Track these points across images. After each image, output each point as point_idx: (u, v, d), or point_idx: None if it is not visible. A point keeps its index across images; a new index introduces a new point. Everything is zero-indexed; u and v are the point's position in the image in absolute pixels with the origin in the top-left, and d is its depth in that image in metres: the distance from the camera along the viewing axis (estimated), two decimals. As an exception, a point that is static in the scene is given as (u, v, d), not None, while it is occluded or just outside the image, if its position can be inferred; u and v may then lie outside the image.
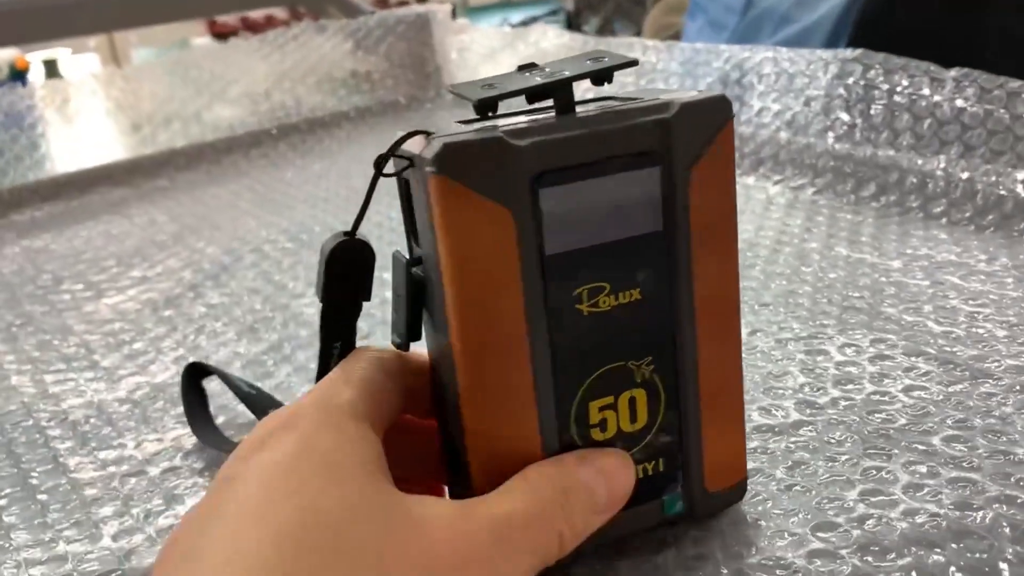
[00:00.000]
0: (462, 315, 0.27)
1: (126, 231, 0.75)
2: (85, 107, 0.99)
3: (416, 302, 0.29)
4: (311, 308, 0.58)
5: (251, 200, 0.80)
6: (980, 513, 0.35)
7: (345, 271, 0.30)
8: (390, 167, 0.29)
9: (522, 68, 0.29)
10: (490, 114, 0.28)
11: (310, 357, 0.52)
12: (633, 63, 0.30)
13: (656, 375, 0.31)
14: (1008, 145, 0.64)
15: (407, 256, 0.30)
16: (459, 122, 0.30)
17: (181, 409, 0.48)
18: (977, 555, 0.33)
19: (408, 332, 0.30)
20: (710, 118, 0.30)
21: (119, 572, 0.36)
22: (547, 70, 0.29)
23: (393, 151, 0.28)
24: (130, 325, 0.58)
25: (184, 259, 0.68)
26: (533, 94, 0.28)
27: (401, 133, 0.28)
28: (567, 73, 0.28)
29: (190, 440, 0.45)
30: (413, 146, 0.27)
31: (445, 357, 0.28)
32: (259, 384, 0.49)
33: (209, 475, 0.42)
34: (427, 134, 0.27)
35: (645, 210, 0.29)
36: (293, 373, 0.51)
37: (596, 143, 0.28)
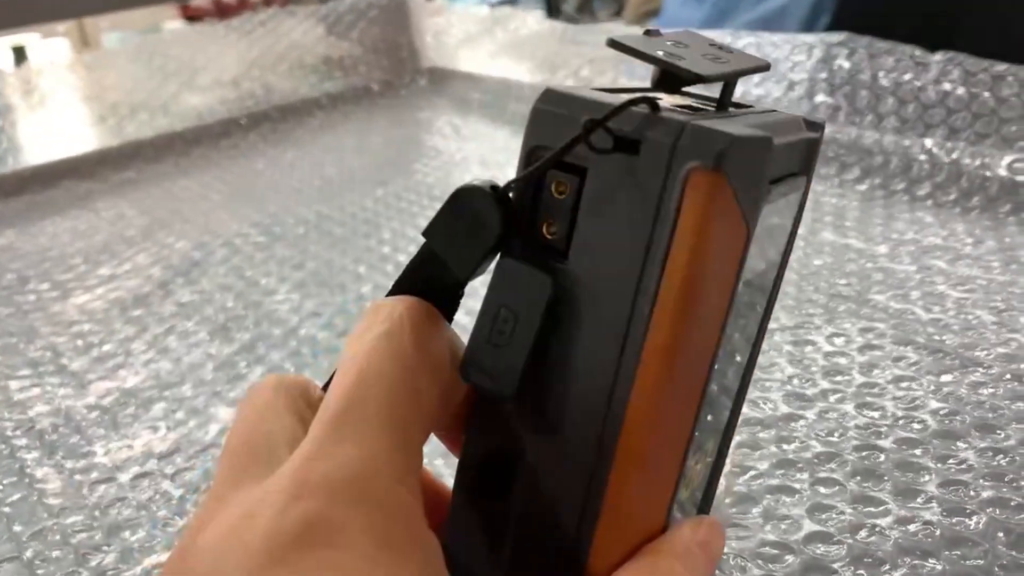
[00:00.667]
0: (669, 360, 0.21)
1: (93, 226, 0.73)
2: (51, 96, 0.96)
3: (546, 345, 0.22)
4: (285, 305, 0.57)
5: (222, 192, 0.78)
6: (974, 519, 0.34)
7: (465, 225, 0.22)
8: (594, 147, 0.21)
9: (648, 32, 0.23)
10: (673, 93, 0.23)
11: (284, 357, 0.50)
12: (766, 67, 0.25)
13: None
14: (993, 128, 0.63)
15: (538, 269, 0.22)
16: (603, 90, 0.23)
17: (152, 413, 0.46)
18: (972, 562, 0.32)
19: (522, 374, 0.22)
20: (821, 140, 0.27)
21: (86, 591, 0.35)
22: (687, 47, 0.23)
23: (608, 119, 0.20)
24: (98, 326, 0.56)
25: (153, 255, 0.66)
26: (735, 79, 0.23)
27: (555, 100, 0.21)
28: (736, 63, 0.24)
29: (161, 444, 0.44)
30: (628, 123, 0.20)
31: (576, 406, 0.21)
32: (228, 389, 0.48)
33: (180, 482, 0.41)
34: (655, 108, 0.20)
35: (779, 238, 0.26)
36: (266, 374, 0.49)
37: (789, 153, 0.24)
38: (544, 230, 0.22)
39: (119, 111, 0.93)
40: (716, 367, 0.22)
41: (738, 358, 0.26)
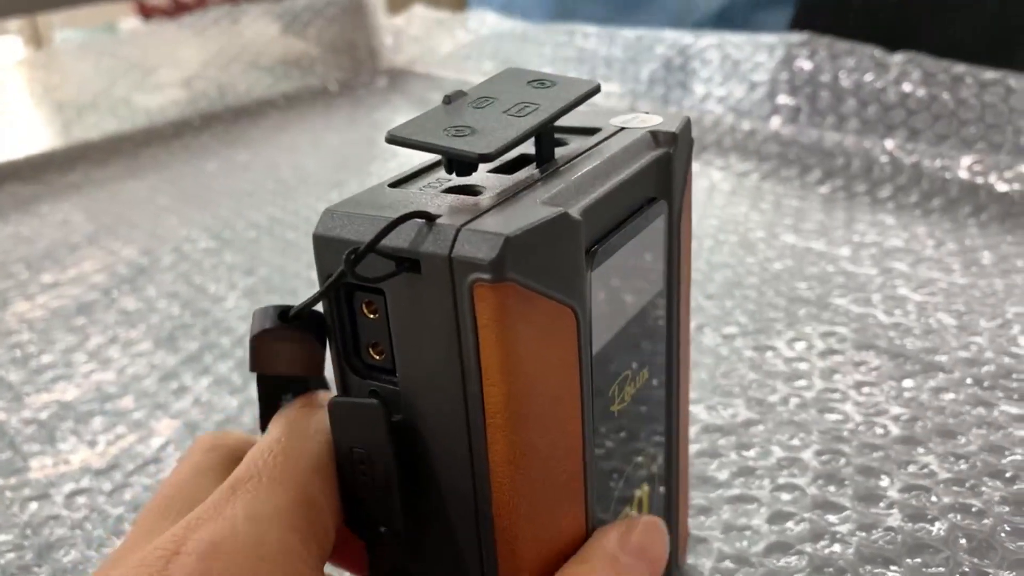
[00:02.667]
0: (518, 464, 0.20)
1: (37, 232, 0.70)
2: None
3: (407, 467, 0.21)
4: (234, 313, 0.55)
5: (171, 195, 0.76)
6: (936, 525, 0.33)
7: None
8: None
9: (449, 99, 0.22)
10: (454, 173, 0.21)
11: (231, 368, 0.49)
12: (596, 90, 0.23)
13: (659, 465, 0.27)
14: (953, 129, 0.63)
15: (365, 399, 0.21)
16: (392, 185, 0.22)
17: (91, 427, 0.44)
18: (933, 569, 0.31)
19: (403, 514, 0.21)
20: (687, 144, 0.25)
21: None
22: (493, 101, 0.22)
23: (373, 246, 0.19)
24: (38, 336, 0.54)
25: (98, 261, 0.64)
26: (544, 127, 0.22)
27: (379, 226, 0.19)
28: (547, 108, 0.22)
29: (100, 460, 0.42)
30: (404, 239, 0.19)
31: (456, 494, 0.21)
32: (172, 401, 0.46)
33: (118, 500, 0.39)
34: (428, 219, 0.19)
35: (654, 268, 0.24)
36: (212, 386, 0.47)
37: (623, 194, 0.22)
38: (371, 352, 0.21)
39: (66, 112, 0.90)
40: (602, 423, 0.22)
41: (655, 382, 0.26)
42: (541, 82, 0.23)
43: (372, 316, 0.21)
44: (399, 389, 0.21)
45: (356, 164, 0.81)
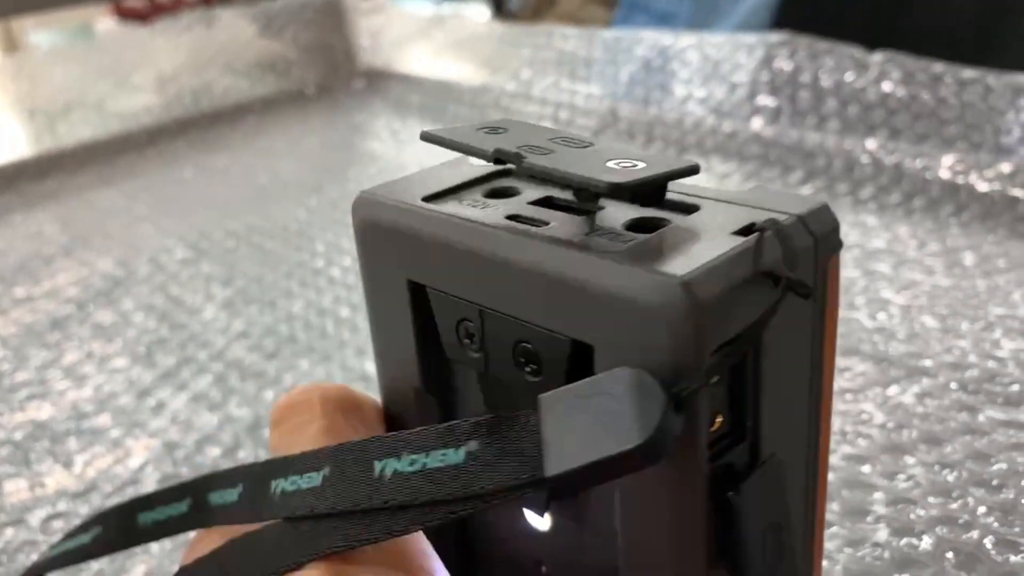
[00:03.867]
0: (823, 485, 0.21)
1: (9, 244, 0.69)
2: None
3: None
4: (212, 327, 0.54)
5: (147, 203, 0.75)
6: (923, 539, 0.33)
7: None
8: None
9: (491, 129, 0.21)
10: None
11: (210, 383, 0.48)
12: (694, 170, 0.20)
13: None
14: (933, 129, 0.63)
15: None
16: (427, 200, 0.22)
17: (67, 448, 0.43)
18: (925, 585, 0.31)
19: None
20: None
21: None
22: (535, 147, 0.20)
23: (791, 271, 0.18)
24: (11, 353, 0.53)
25: (73, 274, 0.63)
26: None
27: None
28: (643, 168, 0.19)
29: (76, 482, 0.41)
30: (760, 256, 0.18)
31: None
32: (150, 419, 0.45)
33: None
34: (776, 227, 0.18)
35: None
36: (191, 402, 0.46)
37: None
38: (713, 426, 0.19)
39: (38, 119, 0.89)
40: None
41: None
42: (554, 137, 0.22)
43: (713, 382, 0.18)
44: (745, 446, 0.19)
45: (335, 169, 0.80)
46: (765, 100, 0.72)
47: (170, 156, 0.85)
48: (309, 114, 0.95)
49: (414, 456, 0.18)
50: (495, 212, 0.21)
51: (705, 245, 0.19)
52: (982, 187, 0.59)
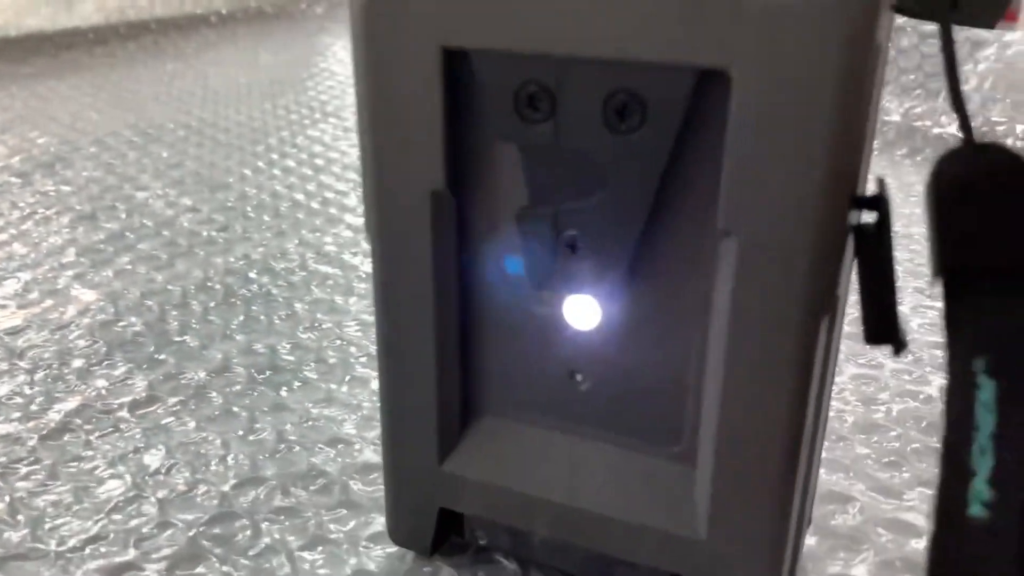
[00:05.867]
0: None
1: (-57, 119, 0.66)
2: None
3: None
4: (159, 201, 0.52)
5: (93, 95, 0.72)
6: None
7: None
8: None
9: None
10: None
11: (156, 246, 0.46)
12: None
13: None
14: (893, 76, 0.64)
15: None
16: None
17: (2, 291, 0.41)
18: None
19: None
20: None
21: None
22: None
23: None
24: (-59, 210, 0.50)
25: (11, 148, 0.60)
26: None
27: None
28: None
29: (10, 320, 0.39)
30: None
31: None
32: (96, 272, 0.43)
33: (28, 359, 0.36)
34: None
35: None
36: (136, 261, 0.44)
37: None
38: None
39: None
40: None
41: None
42: None
43: None
44: None
45: (291, 81, 0.78)
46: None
47: (121, 57, 0.82)
48: (267, 32, 0.92)
49: None
50: None
51: None
52: (936, 131, 0.60)
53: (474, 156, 0.21)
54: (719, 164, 0.18)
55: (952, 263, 0.17)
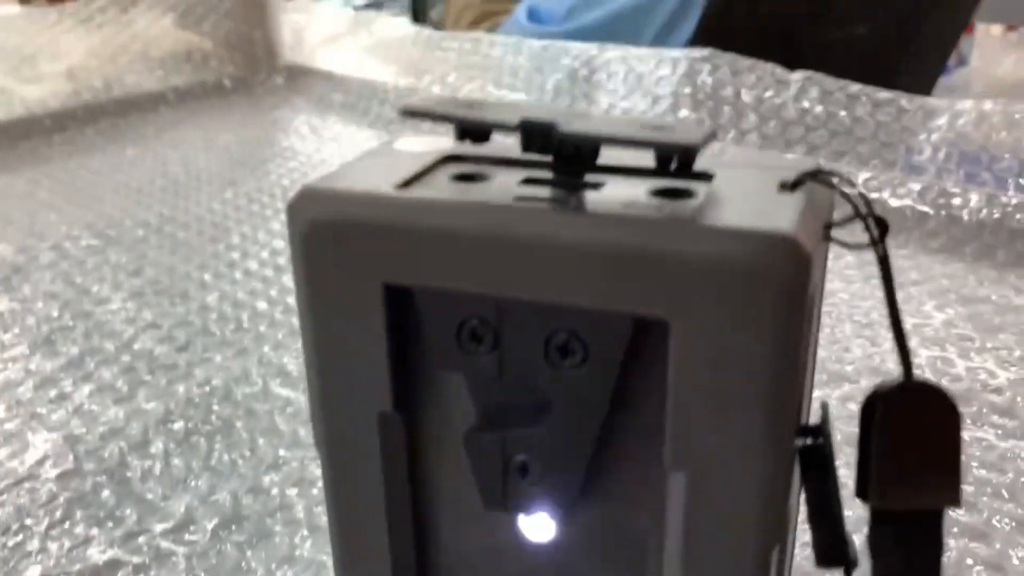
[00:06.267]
0: None
1: None
2: None
3: None
4: (119, 316, 0.51)
5: (52, 190, 0.71)
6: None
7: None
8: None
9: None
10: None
11: (116, 375, 0.45)
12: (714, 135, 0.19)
13: None
14: (850, 146, 0.65)
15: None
16: (401, 186, 0.20)
17: (-45, 440, 0.40)
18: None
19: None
20: None
21: None
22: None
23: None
24: None
25: (-33, 259, 0.59)
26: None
27: None
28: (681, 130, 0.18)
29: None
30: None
31: None
32: (55, 408, 0.42)
33: None
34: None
35: None
36: (95, 393, 0.44)
37: None
38: None
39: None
40: None
41: None
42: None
43: None
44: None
45: (252, 163, 0.78)
46: (686, 113, 0.73)
47: (79, 145, 0.81)
48: (226, 108, 0.92)
49: None
50: (492, 193, 0.19)
51: (769, 201, 0.18)
52: (894, 203, 0.61)
53: (422, 379, 0.21)
54: (664, 401, 0.18)
55: (876, 504, 0.19)
